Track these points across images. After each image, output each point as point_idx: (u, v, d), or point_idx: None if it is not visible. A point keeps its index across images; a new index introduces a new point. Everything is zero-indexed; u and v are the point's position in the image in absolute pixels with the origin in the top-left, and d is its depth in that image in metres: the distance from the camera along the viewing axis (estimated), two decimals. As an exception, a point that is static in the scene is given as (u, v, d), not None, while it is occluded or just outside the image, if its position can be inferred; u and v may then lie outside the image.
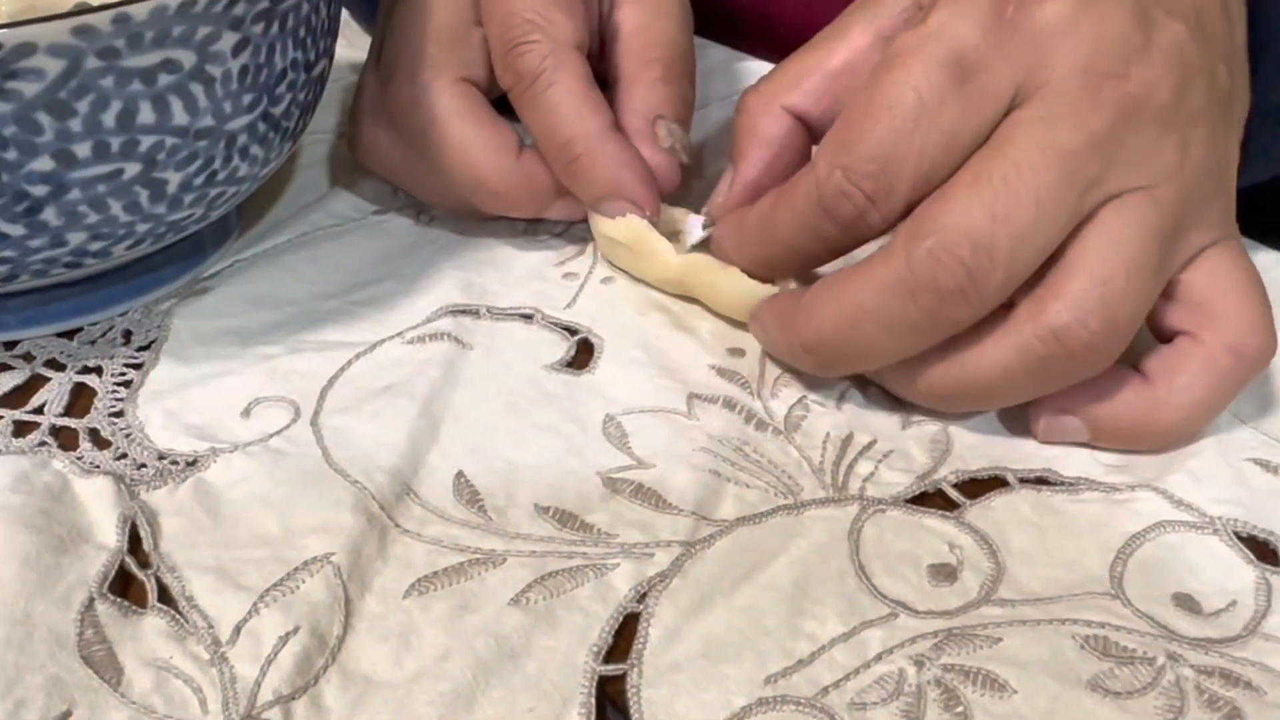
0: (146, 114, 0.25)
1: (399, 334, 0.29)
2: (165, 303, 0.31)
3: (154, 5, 0.23)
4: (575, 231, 0.34)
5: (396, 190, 0.35)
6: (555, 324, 0.30)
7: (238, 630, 0.21)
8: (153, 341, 0.29)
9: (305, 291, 0.31)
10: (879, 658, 0.21)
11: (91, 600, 0.22)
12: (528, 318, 0.30)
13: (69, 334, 0.30)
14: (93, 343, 0.29)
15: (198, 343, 0.29)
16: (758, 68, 0.40)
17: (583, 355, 0.29)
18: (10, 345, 0.29)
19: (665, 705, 0.20)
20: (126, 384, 0.28)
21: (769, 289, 0.27)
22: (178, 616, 0.22)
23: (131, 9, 0.23)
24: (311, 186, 0.36)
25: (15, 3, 0.35)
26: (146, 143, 0.25)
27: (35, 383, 0.28)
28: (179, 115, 0.25)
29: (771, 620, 0.22)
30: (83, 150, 0.24)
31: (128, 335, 0.30)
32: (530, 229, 0.34)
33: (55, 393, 0.28)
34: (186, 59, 0.25)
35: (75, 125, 0.24)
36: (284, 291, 0.31)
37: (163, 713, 0.20)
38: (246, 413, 0.27)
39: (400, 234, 0.34)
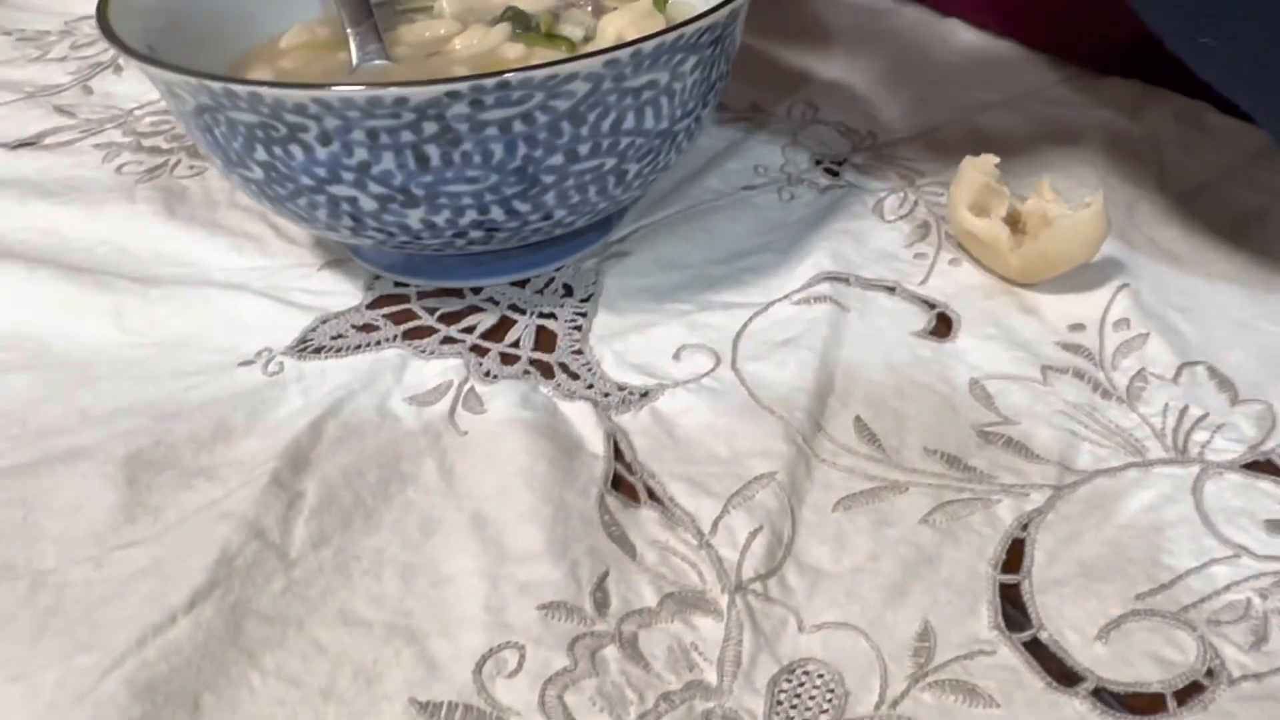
0: (630, 121, 0.31)
1: (786, 296, 0.36)
2: (588, 261, 0.38)
3: (659, 41, 0.30)
4: (914, 216, 0.39)
5: (756, 168, 0.41)
6: (914, 297, 0.36)
7: (715, 524, 0.28)
8: (591, 295, 0.36)
9: (700, 257, 0.38)
10: (1227, 588, 0.26)
11: (602, 494, 0.29)
12: (890, 289, 0.36)
13: (519, 284, 0.37)
14: (539, 292, 0.37)
15: (624, 298, 0.36)
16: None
17: (941, 326, 0.35)
18: (476, 291, 0.37)
19: (1055, 609, 0.26)
20: (577, 328, 0.35)
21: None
22: (666, 511, 0.29)
23: (644, 45, 0.29)
24: (680, 165, 0.42)
25: (456, 5, 0.42)
26: (624, 142, 0.32)
27: (504, 323, 0.36)
28: (649, 121, 0.32)
29: (1134, 552, 0.27)
30: (584, 149, 0.31)
31: (568, 289, 0.37)
32: (877, 208, 0.40)
33: (524, 332, 0.35)
34: (662, 78, 0.31)
35: (584, 131, 0.31)
36: (683, 256, 0.38)
37: (670, 579, 0.27)
38: (676, 356, 0.34)
39: (768, 207, 0.40)
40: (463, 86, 0.28)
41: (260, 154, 0.30)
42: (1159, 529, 0.28)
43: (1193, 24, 0.31)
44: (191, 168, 0.44)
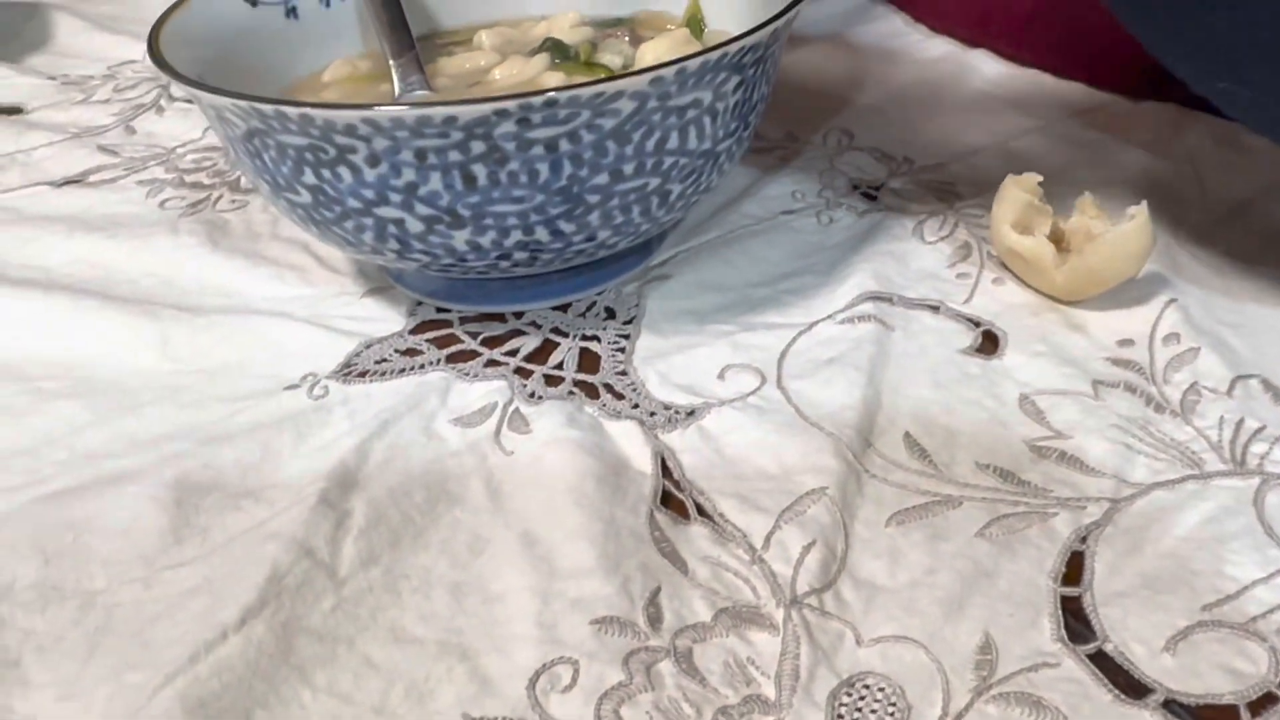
0: (674, 141, 0.32)
1: (829, 316, 0.36)
2: (629, 285, 0.38)
3: (704, 59, 0.30)
4: (955, 237, 0.39)
5: (794, 194, 0.41)
6: (959, 315, 0.36)
7: (768, 540, 0.28)
8: (633, 318, 0.36)
9: (741, 280, 0.38)
10: (1296, 599, 0.25)
11: (651, 511, 0.29)
12: (934, 308, 0.36)
13: (561, 308, 0.37)
14: (582, 315, 0.37)
15: (666, 320, 0.36)
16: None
17: (987, 344, 0.34)
18: (518, 315, 0.37)
19: (1120, 621, 0.25)
20: (621, 350, 0.35)
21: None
22: (716, 527, 0.29)
23: (689, 64, 0.30)
24: (718, 191, 0.43)
25: (495, 37, 0.43)
26: (667, 162, 0.32)
27: (547, 346, 0.36)
28: (692, 141, 0.32)
29: (1197, 564, 0.27)
30: (628, 168, 0.31)
31: (611, 312, 0.37)
32: (917, 230, 0.40)
33: (567, 354, 0.35)
34: (705, 97, 0.32)
35: (628, 150, 0.31)
36: (724, 279, 0.38)
37: (724, 594, 0.27)
38: (721, 376, 0.34)
39: (807, 231, 0.40)
40: (511, 105, 0.28)
41: (309, 177, 0.31)
42: (1221, 541, 0.27)
43: (1211, 71, 0.31)
44: (233, 201, 0.45)
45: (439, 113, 0.28)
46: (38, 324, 0.37)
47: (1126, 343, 0.34)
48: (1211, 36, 0.30)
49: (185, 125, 0.52)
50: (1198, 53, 0.31)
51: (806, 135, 0.47)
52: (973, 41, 0.54)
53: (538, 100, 0.28)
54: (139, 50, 0.59)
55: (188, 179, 0.47)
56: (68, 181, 0.47)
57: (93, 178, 0.47)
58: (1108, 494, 0.29)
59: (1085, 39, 0.48)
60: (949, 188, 0.42)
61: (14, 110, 0.54)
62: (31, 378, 0.35)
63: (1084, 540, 0.27)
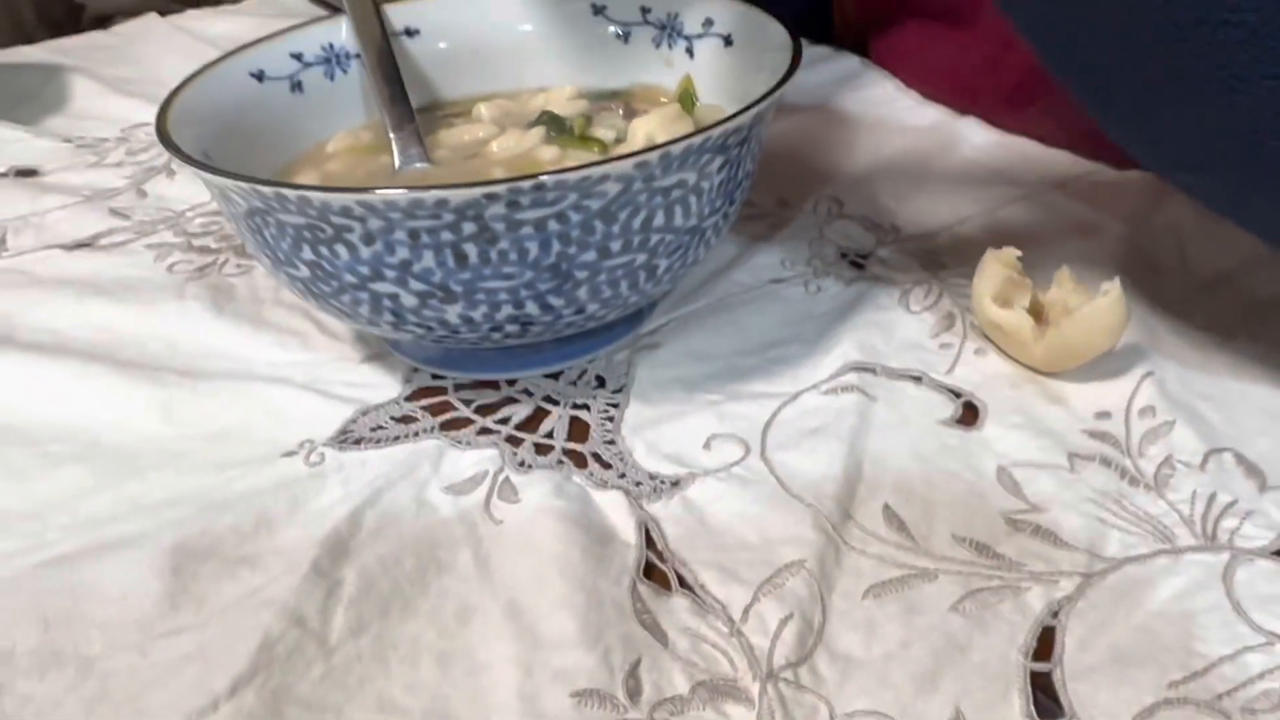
0: (659, 219, 0.33)
1: (814, 386, 0.37)
2: (620, 354, 0.39)
3: (687, 143, 0.31)
4: (940, 307, 0.40)
5: (783, 262, 0.43)
6: (941, 386, 0.36)
7: (746, 612, 0.29)
8: (623, 386, 0.37)
9: (729, 348, 0.39)
10: (1261, 675, 0.26)
11: (634, 582, 0.30)
12: (917, 379, 0.37)
13: (553, 376, 0.38)
14: (573, 383, 0.38)
15: (655, 388, 0.37)
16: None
17: (968, 415, 0.35)
18: (511, 383, 0.38)
19: (1089, 697, 0.26)
20: (610, 419, 0.36)
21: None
22: (697, 598, 0.29)
23: (672, 148, 0.31)
24: (708, 259, 0.44)
25: (494, 109, 0.44)
26: (654, 239, 0.33)
27: (538, 414, 0.37)
28: (678, 218, 0.33)
29: (1167, 639, 0.27)
30: (616, 246, 0.32)
31: (601, 380, 0.38)
32: (903, 299, 0.40)
33: (558, 423, 0.36)
34: (690, 177, 0.33)
35: (615, 229, 0.32)
36: (713, 348, 0.39)
37: (702, 667, 0.27)
38: (707, 445, 0.35)
39: (795, 300, 0.41)
40: (500, 189, 0.29)
41: (307, 254, 0.32)
42: (1191, 616, 0.28)
43: (1170, 165, 0.32)
44: (239, 266, 0.46)
45: (431, 196, 0.29)
46: (47, 388, 0.39)
47: (1104, 415, 0.34)
48: (1167, 136, 0.31)
49: (195, 188, 0.53)
50: (1158, 149, 0.32)
51: (797, 202, 0.48)
52: (962, 109, 0.55)
53: (526, 184, 0.29)
54: (152, 113, 0.60)
55: (195, 243, 0.48)
56: (79, 245, 0.49)
57: (103, 241, 0.49)
58: (1080, 568, 0.29)
59: (1070, 109, 0.49)
60: (935, 257, 0.43)
61: (30, 173, 0.56)
62: (39, 441, 0.36)
63: (1056, 614, 0.28)
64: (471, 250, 0.31)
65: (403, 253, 0.31)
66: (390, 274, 0.32)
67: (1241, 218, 0.33)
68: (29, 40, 0.75)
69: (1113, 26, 0.29)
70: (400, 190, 0.29)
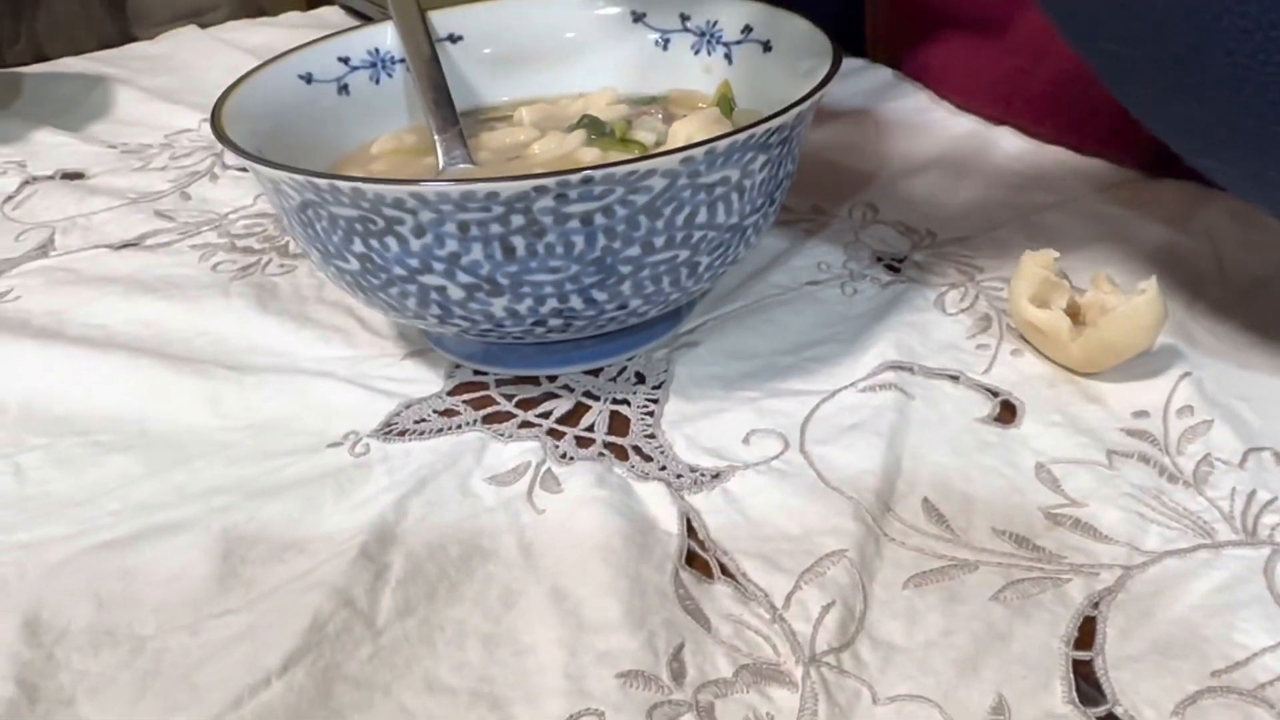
0: (703, 215, 0.33)
1: (852, 384, 0.37)
2: (659, 351, 0.39)
3: (731, 140, 0.32)
4: (976, 309, 0.40)
5: (819, 265, 0.43)
6: (978, 385, 0.37)
7: (788, 599, 0.29)
8: (662, 383, 0.38)
9: (767, 347, 0.39)
10: (1304, 667, 0.26)
11: (676, 569, 0.30)
12: (954, 378, 0.37)
13: (593, 373, 0.39)
14: (613, 380, 0.38)
15: (694, 385, 0.38)
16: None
17: (1005, 414, 0.35)
18: (551, 379, 0.39)
19: (1131, 684, 0.26)
20: (649, 414, 0.37)
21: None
22: (739, 586, 0.30)
23: (718, 144, 0.31)
24: (746, 261, 0.44)
25: (535, 113, 0.45)
26: (696, 235, 0.34)
27: (579, 409, 0.37)
28: (720, 215, 0.34)
29: (1208, 631, 0.27)
30: (659, 241, 0.33)
31: (640, 377, 0.38)
32: (939, 302, 0.41)
33: (598, 417, 0.37)
34: (734, 175, 0.33)
35: (659, 224, 0.33)
36: (751, 347, 0.39)
37: (745, 651, 0.28)
38: (746, 440, 0.35)
39: (831, 301, 0.42)
40: (549, 181, 0.30)
41: (358, 246, 0.33)
42: (1232, 609, 0.28)
43: (1194, 149, 0.33)
44: (282, 266, 0.47)
45: (482, 188, 0.30)
46: (97, 380, 0.39)
47: (1141, 414, 0.35)
48: (1185, 120, 0.31)
49: (237, 192, 0.54)
50: (1179, 133, 0.32)
51: (832, 208, 0.48)
52: (996, 119, 0.55)
53: (575, 178, 0.30)
54: (195, 120, 0.62)
55: (239, 244, 0.49)
56: (126, 244, 0.50)
57: (149, 241, 0.50)
58: (1120, 561, 0.29)
59: (1104, 117, 0.50)
60: (970, 261, 0.44)
61: (77, 175, 0.57)
62: (90, 431, 0.37)
63: (1096, 606, 0.28)
64: (519, 243, 0.31)
65: (452, 245, 0.32)
66: (439, 266, 0.32)
67: (1267, 202, 0.33)
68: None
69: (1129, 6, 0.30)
70: (451, 182, 0.30)
